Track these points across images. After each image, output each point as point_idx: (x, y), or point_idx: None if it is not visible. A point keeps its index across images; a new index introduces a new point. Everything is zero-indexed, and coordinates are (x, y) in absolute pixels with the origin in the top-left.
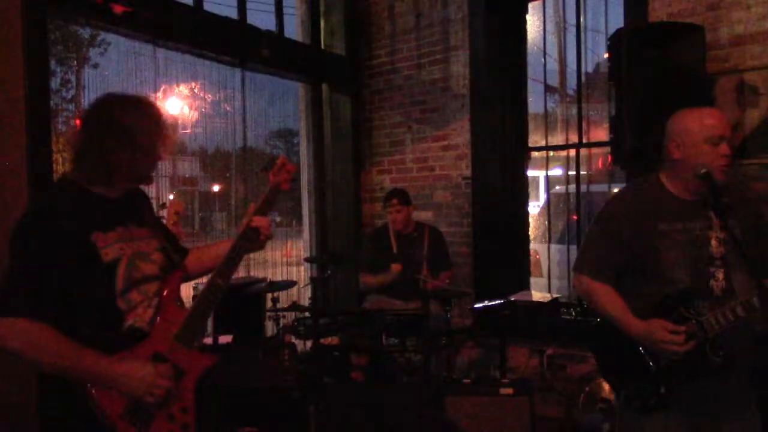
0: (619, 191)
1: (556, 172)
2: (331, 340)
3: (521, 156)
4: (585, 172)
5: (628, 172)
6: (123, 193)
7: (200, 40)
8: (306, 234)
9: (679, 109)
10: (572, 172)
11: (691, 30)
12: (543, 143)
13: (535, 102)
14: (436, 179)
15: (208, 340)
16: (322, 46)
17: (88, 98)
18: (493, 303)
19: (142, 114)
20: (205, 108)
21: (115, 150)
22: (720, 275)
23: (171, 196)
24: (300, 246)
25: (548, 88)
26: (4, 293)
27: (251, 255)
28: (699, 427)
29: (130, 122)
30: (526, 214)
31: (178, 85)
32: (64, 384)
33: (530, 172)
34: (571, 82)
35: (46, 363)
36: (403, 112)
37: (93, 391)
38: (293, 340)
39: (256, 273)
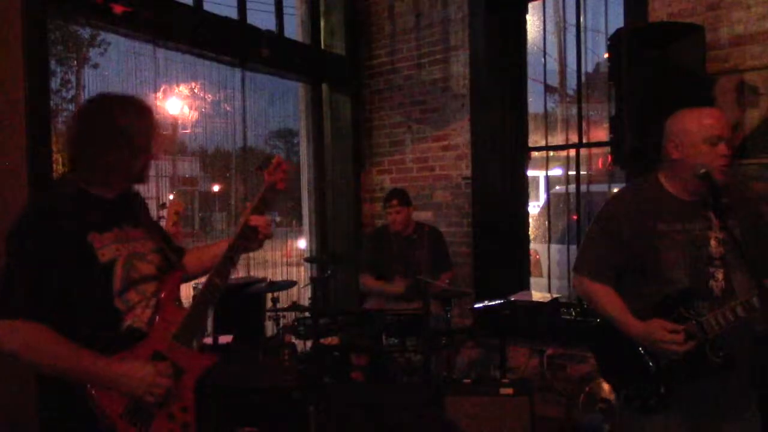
0: (619, 191)
1: (556, 172)
2: (331, 340)
3: (521, 156)
4: (585, 172)
5: (628, 172)
6: (119, 193)
7: (200, 40)
8: (306, 234)
9: (679, 109)
10: (572, 172)
11: (691, 30)
12: (543, 143)
13: (535, 102)
14: (436, 179)
15: (208, 340)
16: (322, 46)
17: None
18: (493, 303)
19: (138, 114)
20: (205, 108)
21: (112, 150)
22: (719, 275)
23: (171, 196)
24: (296, 246)
25: (548, 88)
26: (2, 294)
27: (251, 255)
28: (699, 427)
29: (127, 122)
30: (526, 214)
31: (178, 85)
32: (64, 384)
33: (530, 172)
34: (571, 82)
35: (44, 365)
36: (403, 112)
37: (93, 392)
38: (293, 340)
39: (256, 273)
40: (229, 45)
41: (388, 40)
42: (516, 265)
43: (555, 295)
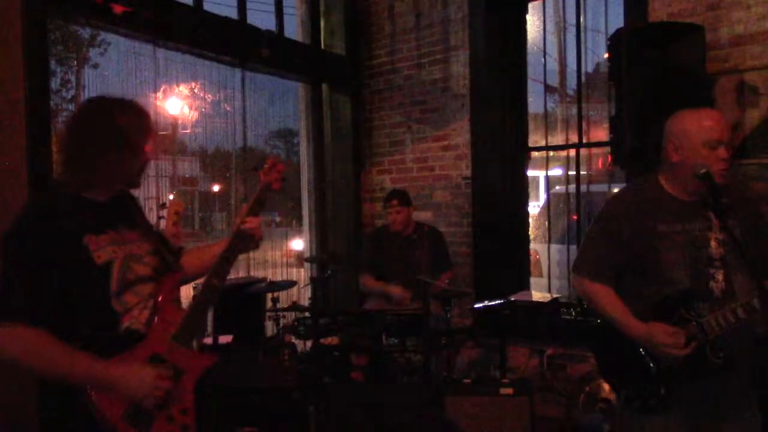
0: (619, 191)
1: (556, 172)
2: (331, 340)
3: (521, 156)
4: (585, 172)
5: (628, 172)
6: (112, 196)
7: (200, 40)
8: (306, 234)
9: (679, 109)
10: (572, 172)
11: (691, 30)
12: (543, 143)
13: (535, 102)
14: (436, 179)
15: (208, 340)
16: (322, 46)
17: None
18: (493, 303)
19: (137, 115)
20: (205, 108)
21: (112, 150)
22: (720, 277)
23: (171, 196)
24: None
25: (548, 88)
26: (2, 297)
27: (251, 255)
28: (699, 427)
29: (126, 123)
30: (526, 214)
31: (178, 85)
32: (64, 386)
33: (530, 172)
34: (571, 82)
35: (44, 370)
36: (403, 112)
37: (92, 395)
38: (293, 340)
39: (256, 273)
40: (229, 45)
41: (388, 40)
42: (516, 265)
43: (555, 295)
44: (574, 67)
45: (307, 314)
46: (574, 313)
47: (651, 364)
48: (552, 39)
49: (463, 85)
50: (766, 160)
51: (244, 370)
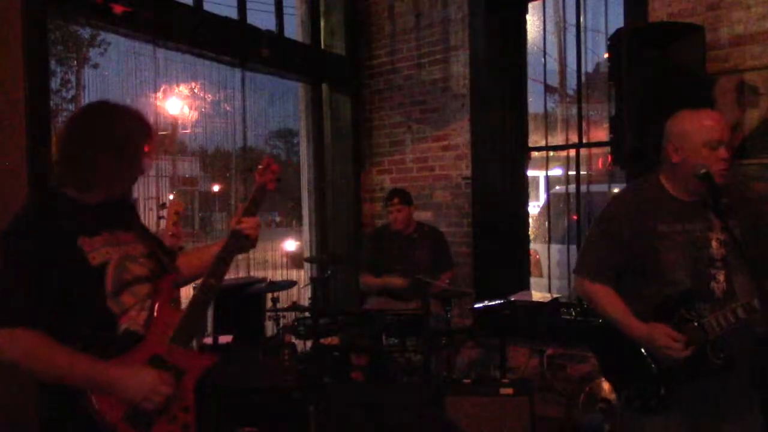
0: (619, 192)
1: (556, 172)
2: (331, 340)
3: (521, 156)
4: (585, 172)
5: (628, 173)
6: (104, 200)
7: (200, 40)
8: (306, 234)
9: (679, 109)
10: (572, 172)
11: (691, 30)
12: (543, 143)
13: (535, 102)
14: (436, 179)
15: (208, 340)
16: (322, 46)
17: (88, 98)
18: (493, 303)
19: (135, 117)
20: (205, 108)
21: (112, 151)
22: (721, 277)
23: (171, 196)
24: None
25: (548, 88)
26: (1, 299)
27: (251, 255)
28: (699, 427)
29: (121, 130)
30: (526, 214)
31: (178, 85)
32: (64, 388)
33: (530, 172)
34: (571, 82)
35: (43, 373)
36: (403, 112)
37: (92, 398)
38: (293, 340)
39: (256, 273)
40: (229, 45)
41: (388, 40)
42: (516, 265)
43: (555, 295)
44: (574, 67)
45: (307, 314)
46: (574, 313)
47: (652, 365)
48: (552, 39)
49: (463, 85)
50: (766, 160)
51: (244, 370)
